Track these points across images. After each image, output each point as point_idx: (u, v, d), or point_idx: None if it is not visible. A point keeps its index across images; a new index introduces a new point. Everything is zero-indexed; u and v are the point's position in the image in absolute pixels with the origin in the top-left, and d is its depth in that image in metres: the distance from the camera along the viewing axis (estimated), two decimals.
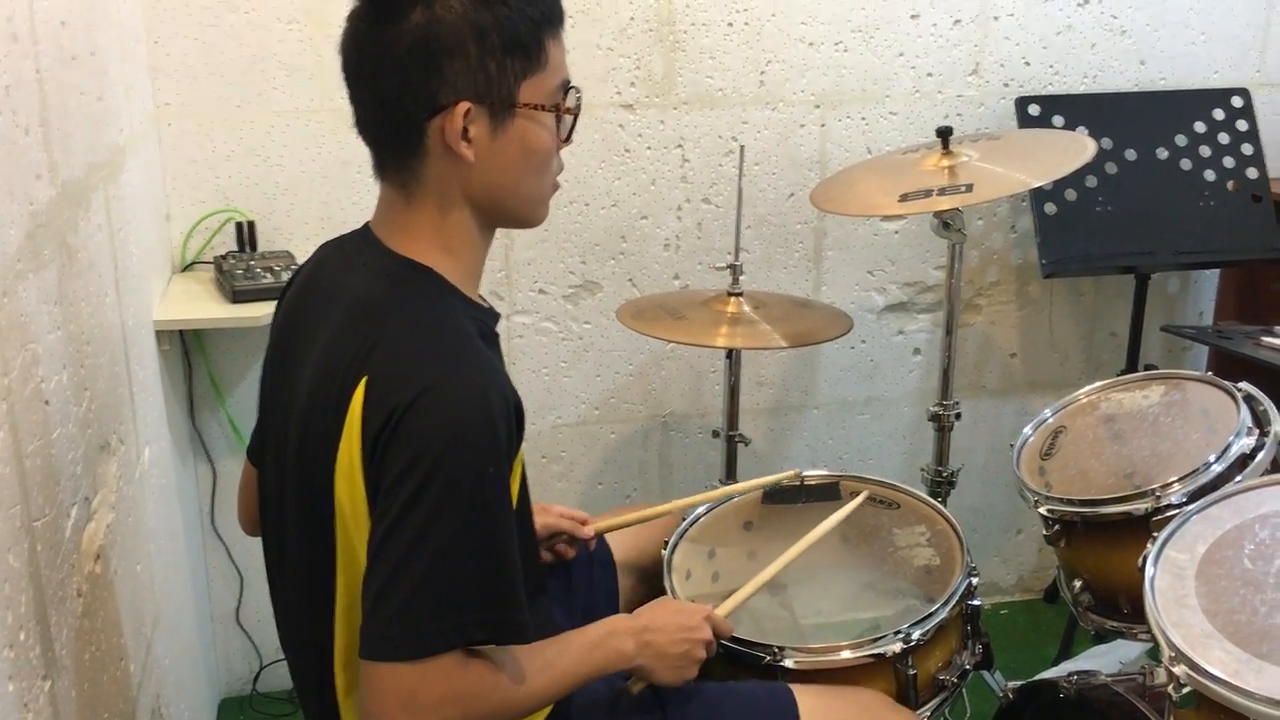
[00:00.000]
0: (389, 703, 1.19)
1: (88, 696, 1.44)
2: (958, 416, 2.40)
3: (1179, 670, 1.32)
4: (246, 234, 2.44)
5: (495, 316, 1.41)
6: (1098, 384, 1.98)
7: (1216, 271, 2.99)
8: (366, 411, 1.23)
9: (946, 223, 2.18)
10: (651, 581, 1.85)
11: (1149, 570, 1.45)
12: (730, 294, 2.29)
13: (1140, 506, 1.65)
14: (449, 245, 1.34)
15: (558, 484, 2.77)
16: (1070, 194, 2.60)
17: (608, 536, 1.85)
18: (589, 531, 1.80)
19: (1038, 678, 2.37)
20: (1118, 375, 2.76)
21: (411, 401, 1.20)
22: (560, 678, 1.35)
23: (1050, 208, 2.60)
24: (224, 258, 2.39)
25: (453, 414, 1.20)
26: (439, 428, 1.20)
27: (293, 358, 1.38)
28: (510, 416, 1.26)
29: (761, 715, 1.54)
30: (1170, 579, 1.44)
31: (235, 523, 1.68)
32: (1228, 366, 2.75)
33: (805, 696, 1.55)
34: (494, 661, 1.25)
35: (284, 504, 1.38)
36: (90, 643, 1.49)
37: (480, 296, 1.40)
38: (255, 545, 1.53)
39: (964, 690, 1.75)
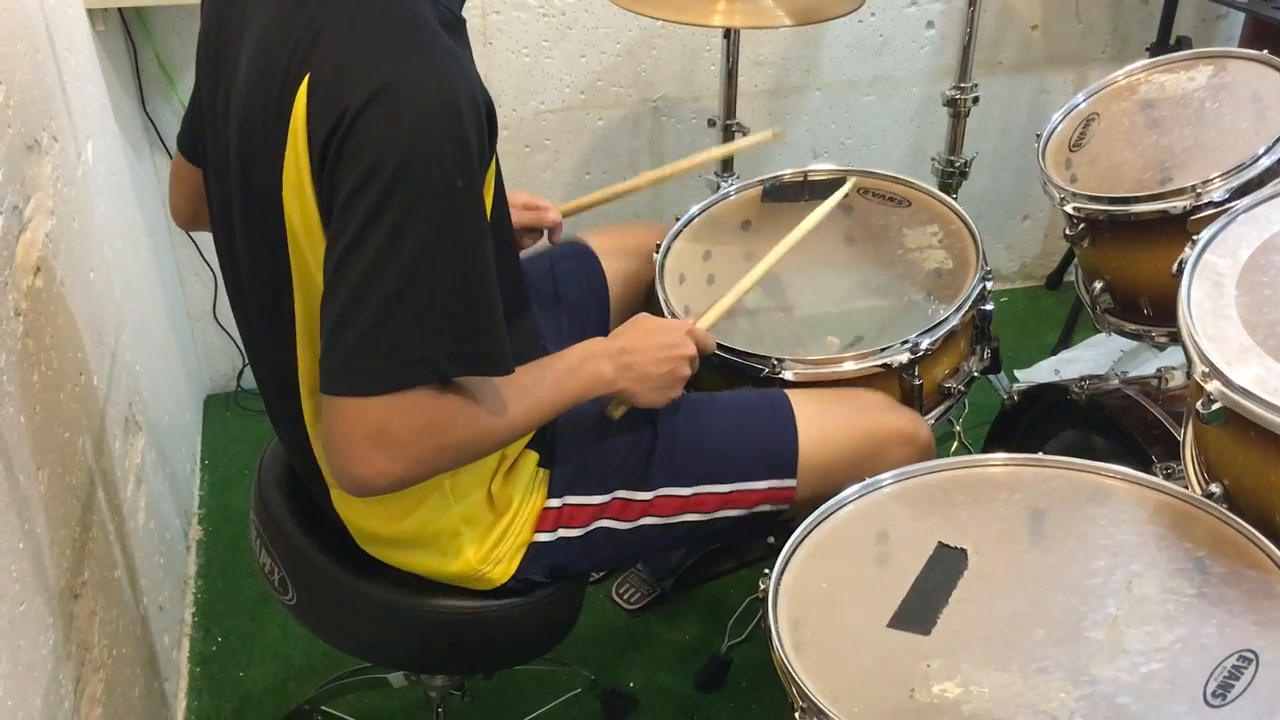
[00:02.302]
0: (355, 438, 1.09)
1: (41, 419, 1.35)
2: (975, 100, 2.21)
3: (1211, 386, 1.22)
4: None
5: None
6: (1138, 64, 1.78)
7: None
8: (311, 116, 1.06)
9: None
10: (645, 287, 1.73)
11: (1185, 278, 1.32)
12: None
13: (1177, 204, 1.51)
14: None
15: (542, 174, 2.60)
16: None
17: (596, 245, 1.72)
18: (555, 216, 1.66)
19: (1039, 380, 2.32)
20: (1146, 49, 2.57)
21: (364, 104, 1.03)
22: (538, 405, 1.25)
23: None
24: None
25: (412, 119, 1.03)
26: (397, 135, 1.03)
27: (227, 46, 1.19)
28: (480, 119, 1.09)
29: (753, 420, 1.46)
30: (1208, 287, 1.32)
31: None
32: (1265, 40, 2.53)
33: (802, 400, 1.47)
34: (469, 391, 1.15)
35: (230, 216, 1.23)
36: (39, 362, 1.38)
37: None
38: None
39: None
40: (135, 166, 2.25)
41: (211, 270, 2.53)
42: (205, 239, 2.46)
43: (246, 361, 2.64)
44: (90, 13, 2.02)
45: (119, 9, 2.18)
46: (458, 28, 1.18)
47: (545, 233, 1.68)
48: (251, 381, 2.63)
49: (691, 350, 1.41)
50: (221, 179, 1.22)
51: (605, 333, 1.40)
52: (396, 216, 1.05)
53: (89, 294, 1.69)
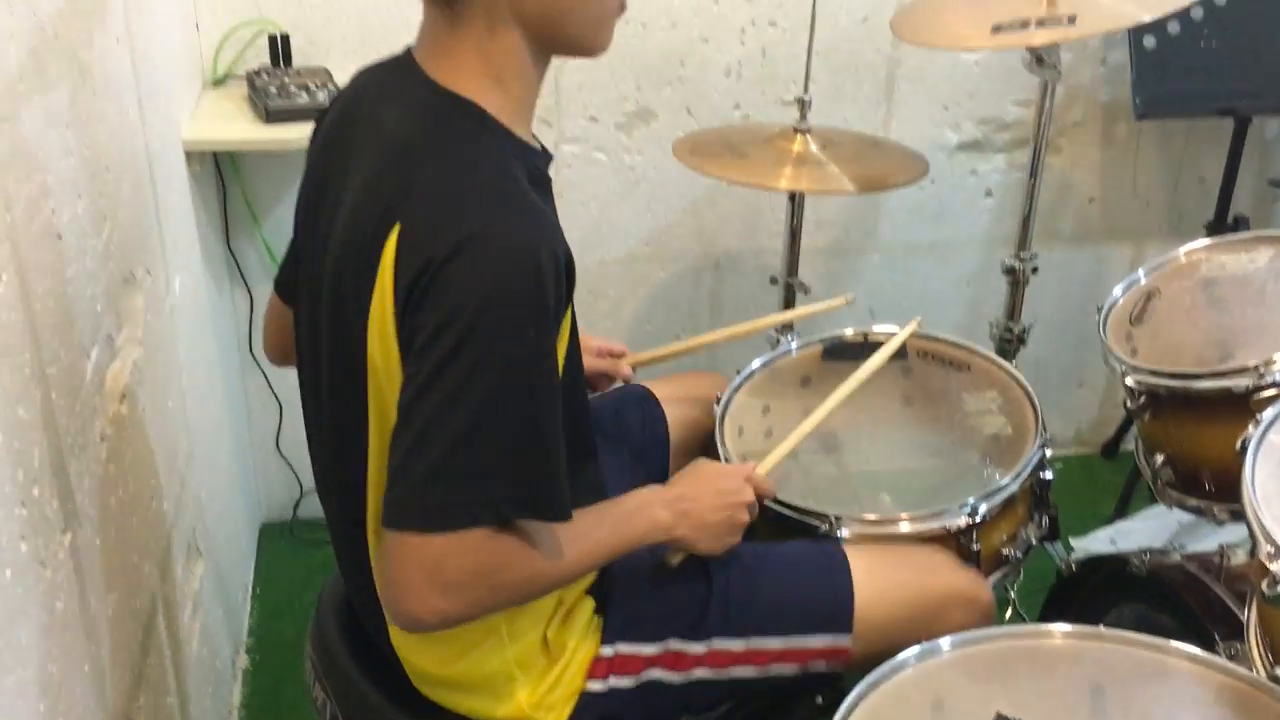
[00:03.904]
0: (413, 576, 1.11)
1: (114, 542, 1.39)
2: (1034, 270, 2.25)
3: (1276, 567, 1.21)
4: (280, 48, 2.28)
5: (547, 158, 1.27)
6: (1199, 243, 1.82)
7: None
8: (400, 262, 1.11)
9: (1040, 58, 1.98)
10: (705, 434, 1.76)
11: (1249, 457, 1.33)
12: (797, 130, 2.12)
13: (1240, 383, 1.52)
14: (497, 75, 1.19)
15: (604, 322, 2.66)
16: (1173, 27, 2.38)
17: (659, 393, 1.77)
18: (628, 371, 1.72)
19: (1096, 549, 2.30)
20: (1205, 226, 2.61)
21: (450, 254, 1.08)
22: (595, 550, 1.27)
23: (1149, 41, 2.38)
24: (257, 73, 2.25)
25: (494, 269, 1.09)
26: (478, 283, 1.08)
27: (327, 197, 1.26)
28: (560, 272, 1.14)
29: (812, 577, 1.46)
30: (1272, 466, 1.32)
31: None
32: None
33: (859, 557, 1.47)
34: (527, 534, 1.17)
35: (318, 351, 1.28)
36: (116, 487, 1.43)
37: (532, 135, 1.26)
38: (293, 372, 1.41)
39: None
40: (216, 300, 2.33)
41: (278, 401, 2.59)
42: (273, 370, 2.53)
43: (303, 491, 2.69)
44: (189, 154, 2.13)
45: (214, 153, 2.30)
46: (544, 184, 1.24)
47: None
48: (308, 511, 2.68)
49: (749, 497, 1.42)
50: (313, 316, 1.28)
51: (665, 476, 1.43)
52: (469, 361, 1.09)
53: (165, 422, 1.74)
